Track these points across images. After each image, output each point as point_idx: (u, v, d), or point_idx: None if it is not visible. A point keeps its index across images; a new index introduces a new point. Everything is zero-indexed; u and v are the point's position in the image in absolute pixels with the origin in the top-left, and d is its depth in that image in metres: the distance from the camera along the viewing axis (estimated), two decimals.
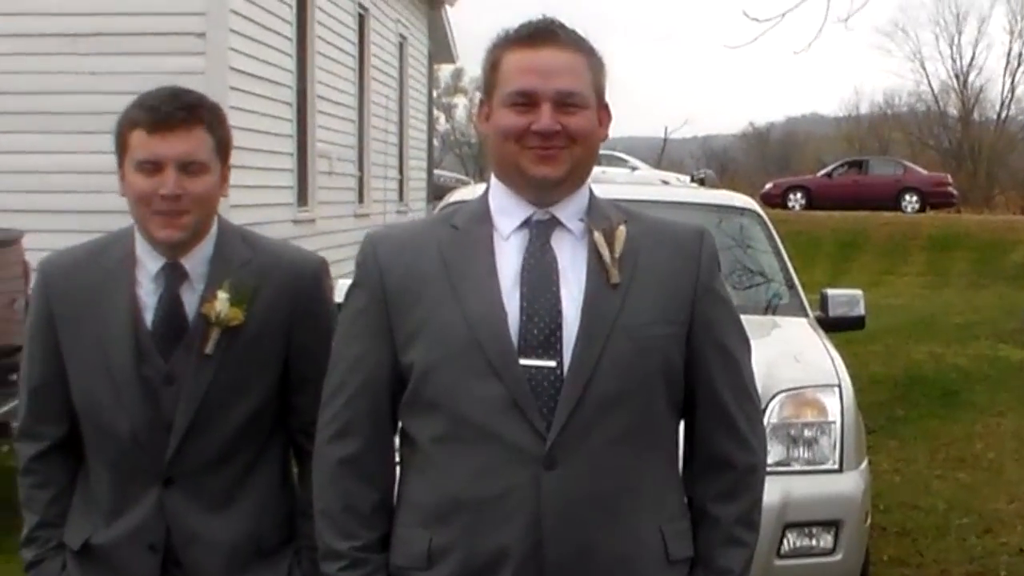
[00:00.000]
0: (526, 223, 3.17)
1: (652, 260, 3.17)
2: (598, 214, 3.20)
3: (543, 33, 3.15)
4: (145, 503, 3.54)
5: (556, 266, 3.13)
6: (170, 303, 3.54)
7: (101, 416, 3.55)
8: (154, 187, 3.44)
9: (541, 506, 3.04)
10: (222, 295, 3.50)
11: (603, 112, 3.23)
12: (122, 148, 3.51)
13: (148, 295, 3.54)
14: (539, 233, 3.16)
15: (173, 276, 3.54)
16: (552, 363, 3.07)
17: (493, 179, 3.26)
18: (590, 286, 3.11)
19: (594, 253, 3.13)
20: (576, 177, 3.19)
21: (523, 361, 3.06)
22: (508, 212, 3.20)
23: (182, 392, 3.50)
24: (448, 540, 3.11)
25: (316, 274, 3.68)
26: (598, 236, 3.14)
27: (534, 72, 3.12)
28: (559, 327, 3.08)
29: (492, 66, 3.19)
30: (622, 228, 3.16)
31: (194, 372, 3.51)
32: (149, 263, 3.55)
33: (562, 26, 3.17)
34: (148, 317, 3.54)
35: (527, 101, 3.11)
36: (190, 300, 3.54)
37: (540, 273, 3.12)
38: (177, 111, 3.46)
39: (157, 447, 3.52)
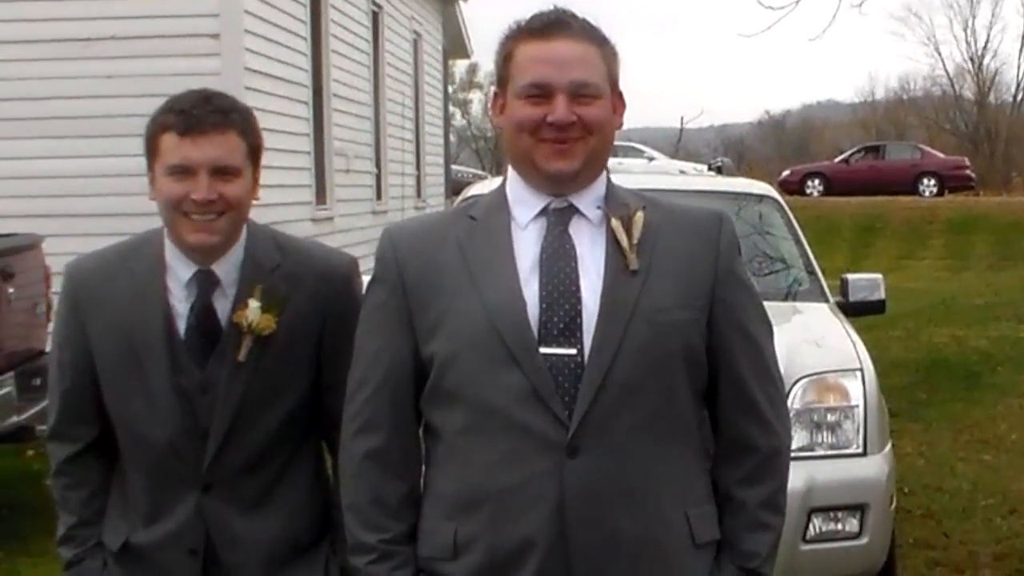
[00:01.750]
0: (543, 212, 3.18)
1: (671, 245, 3.17)
2: (616, 201, 3.21)
3: (555, 24, 3.15)
4: (183, 508, 3.54)
5: (575, 253, 3.14)
6: (203, 311, 3.52)
7: (136, 425, 3.54)
8: (186, 191, 3.40)
9: (564, 494, 3.05)
10: (253, 303, 3.47)
11: (617, 100, 3.23)
12: (152, 152, 3.47)
13: (180, 303, 3.52)
14: (557, 221, 3.17)
15: (205, 283, 3.51)
16: (572, 351, 3.07)
17: (510, 169, 3.27)
18: (609, 273, 3.11)
19: (612, 240, 3.14)
20: (592, 168, 3.19)
21: (543, 349, 3.07)
22: (525, 202, 3.20)
23: (217, 400, 3.49)
24: (473, 530, 3.12)
25: (347, 276, 3.67)
26: (616, 223, 3.14)
27: (548, 63, 3.12)
28: (579, 315, 3.09)
29: (505, 58, 3.19)
30: (640, 214, 3.16)
31: (228, 380, 3.49)
32: (180, 270, 3.52)
33: (574, 16, 3.17)
34: (181, 326, 3.52)
35: (541, 93, 3.12)
36: (222, 307, 3.52)
37: (559, 261, 3.13)
38: (210, 115, 3.43)
39: (194, 455, 3.52)
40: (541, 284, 3.11)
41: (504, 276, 3.12)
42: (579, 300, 3.10)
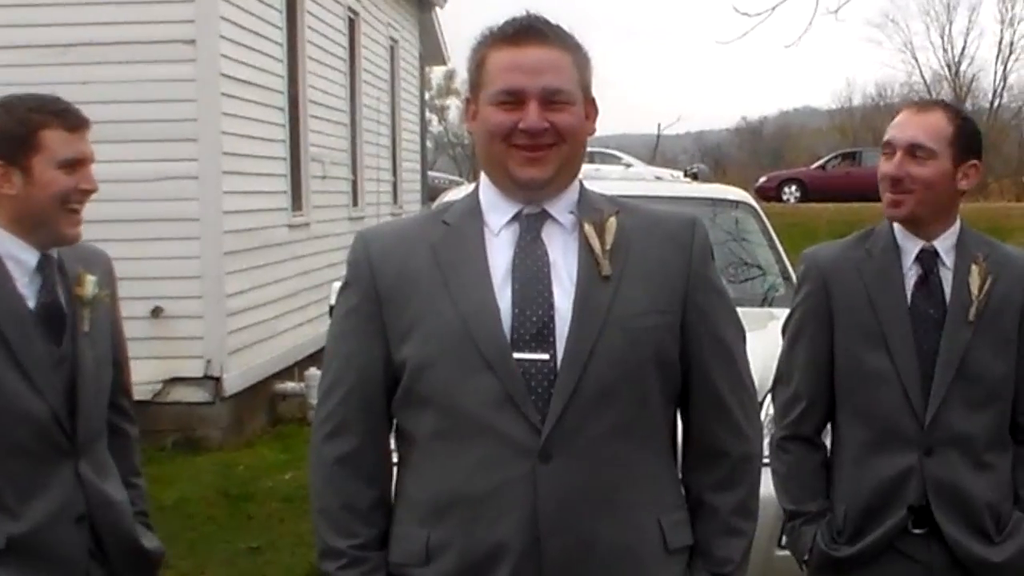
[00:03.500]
0: (516, 217, 3.18)
1: (643, 250, 3.17)
2: (588, 206, 3.21)
3: (528, 31, 3.15)
4: (61, 479, 3.71)
5: (547, 259, 3.14)
6: (53, 290, 3.75)
7: (18, 405, 3.65)
8: (76, 183, 3.72)
9: (538, 500, 3.05)
10: (90, 277, 3.78)
11: (590, 107, 3.23)
12: (32, 147, 3.69)
13: (25, 287, 3.73)
14: (529, 227, 3.17)
15: (49, 266, 3.76)
16: (545, 356, 3.07)
17: (482, 175, 3.27)
18: (582, 278, 3.11)
19: (585, 245, 3.14)
20: (565, 175, 3.19)
21: (517, 355, 3.07)
22: (498, 207, 3.20)
23: (77, 369, 3.73)
24: (445, 536, 3.12)
25: (111, 264, 3.98)
26: (588, 228, 3.15)
27: (520, 70, 3.12)
28: (551, 320, 3.09)
29: (478, 65, 3.19)
30: (612, 220, 3.17)
31: (80, 349, 3.74)
32: (24, 257, 3.74)
33: (547, 23, 3.17)
34: (31, 306, 3.72)
35: (514, 99, 3.12)
36: (60, 287, 3.77)
37: (531, 267, 3.13)
38: (82, 114, 3.76)
39: (71, 423, 3.70)
40: (514, 290, 3.11)
41: (477, 282, 3.12)
42: (552, 306, 3.10)
